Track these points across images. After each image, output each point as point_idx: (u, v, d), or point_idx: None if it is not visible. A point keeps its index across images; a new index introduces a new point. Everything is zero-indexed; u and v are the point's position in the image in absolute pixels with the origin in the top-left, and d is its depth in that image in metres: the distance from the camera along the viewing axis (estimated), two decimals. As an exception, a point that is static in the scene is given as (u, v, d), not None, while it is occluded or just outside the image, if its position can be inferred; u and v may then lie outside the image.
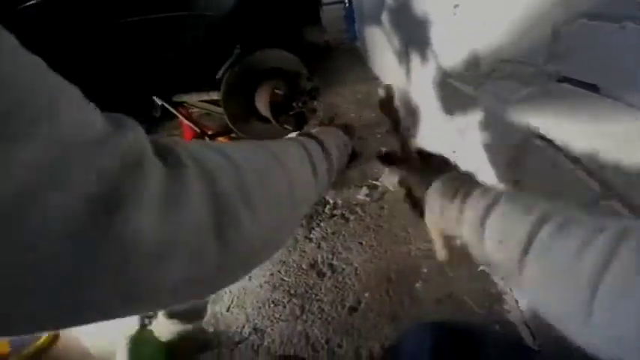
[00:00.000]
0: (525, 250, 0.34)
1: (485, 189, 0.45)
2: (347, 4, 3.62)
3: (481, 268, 1.11)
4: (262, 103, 0.83)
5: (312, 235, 1.40)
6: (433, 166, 0.57)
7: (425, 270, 1.15)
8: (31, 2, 0.47)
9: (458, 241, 0.48)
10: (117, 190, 0.18)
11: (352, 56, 3.35)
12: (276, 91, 0.79)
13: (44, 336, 1.22)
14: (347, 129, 0.64)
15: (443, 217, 0.47)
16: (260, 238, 0.29)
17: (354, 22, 3.60)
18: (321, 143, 0.47)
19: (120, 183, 0.18)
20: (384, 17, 2.07)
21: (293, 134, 0.50)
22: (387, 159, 0.64)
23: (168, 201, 0.21)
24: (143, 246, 0.19)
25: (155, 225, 0.20)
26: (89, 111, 0.20)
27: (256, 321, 1.15)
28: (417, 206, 0.57)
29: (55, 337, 1.25)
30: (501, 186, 0.95)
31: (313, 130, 0.54)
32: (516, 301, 1.01)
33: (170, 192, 0.21)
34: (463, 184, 0.47)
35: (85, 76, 0.57)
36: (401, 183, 0.61)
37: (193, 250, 0.22)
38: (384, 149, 0.65)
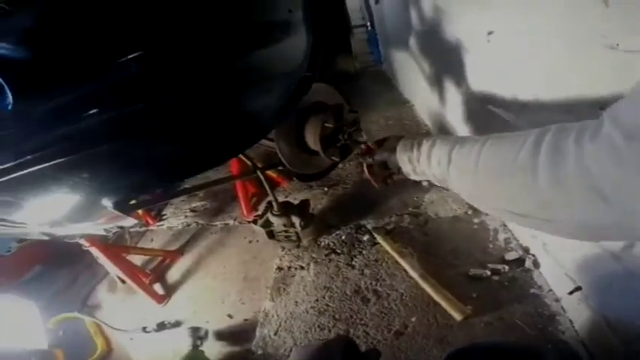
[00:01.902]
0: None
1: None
2: (369, 28, 3.73)
3: (532, 290, 1.10)
4: (312, 137, 0.88)
5: (354, 263, 1.41)
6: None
7: (474, 295, 1.14)
8: (132, 55, 0.52)
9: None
10: None
11: (379, 79, 3.39)
12: (326, 124, 0.84)
13: (98, 350, 1.37)
14: None
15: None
16: None
17: (378, 45, 3.69)
18: None
19: None
20: (412, 41, 2.12)
21: None
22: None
23: None
24: None
25: None
26: None
27: (303, 344, 1.17)
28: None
29: (109, 352, 1.38)
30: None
31: None
32: (571, 322, 0.99)
33: None
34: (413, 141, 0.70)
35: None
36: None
37: None
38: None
